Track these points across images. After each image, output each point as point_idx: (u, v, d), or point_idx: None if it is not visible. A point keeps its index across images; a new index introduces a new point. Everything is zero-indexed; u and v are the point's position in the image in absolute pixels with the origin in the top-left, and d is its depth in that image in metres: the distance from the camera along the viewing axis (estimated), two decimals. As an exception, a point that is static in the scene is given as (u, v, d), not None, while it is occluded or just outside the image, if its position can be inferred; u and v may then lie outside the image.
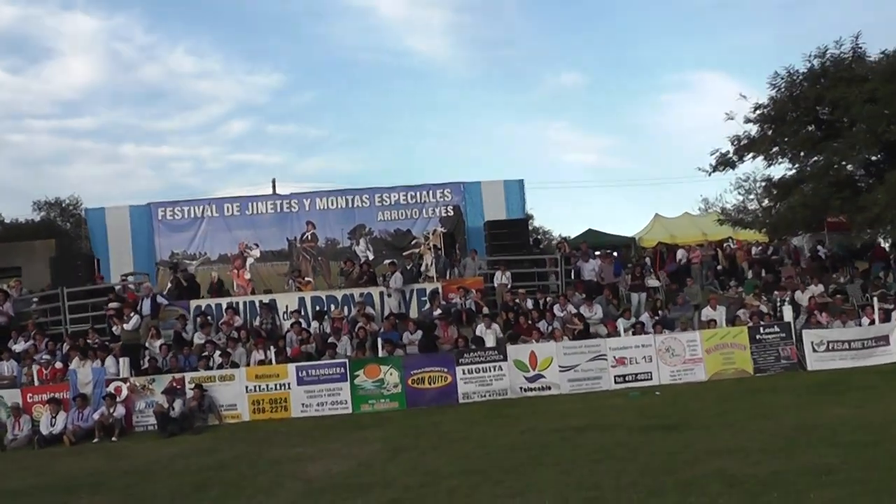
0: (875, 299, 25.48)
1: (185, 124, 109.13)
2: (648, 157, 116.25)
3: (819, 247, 36.37)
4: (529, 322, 24.82)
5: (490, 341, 23.45)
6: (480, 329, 24.11)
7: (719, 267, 36.27)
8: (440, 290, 27.06)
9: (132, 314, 25.07)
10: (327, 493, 12.61)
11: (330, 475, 14.11)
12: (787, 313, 24.48)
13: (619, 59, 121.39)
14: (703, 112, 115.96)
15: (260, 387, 22.38)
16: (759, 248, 37.38)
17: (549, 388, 22.59)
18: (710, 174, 33.36)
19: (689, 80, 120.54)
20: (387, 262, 29.98)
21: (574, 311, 25.47)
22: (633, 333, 24.12)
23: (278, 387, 22.38)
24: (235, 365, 23.24)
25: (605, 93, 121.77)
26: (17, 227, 53.58)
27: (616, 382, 22.91)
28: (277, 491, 13.15)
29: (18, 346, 25.41)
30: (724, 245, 39.87)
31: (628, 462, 13.10)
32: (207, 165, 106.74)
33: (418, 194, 34.47)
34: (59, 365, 23.69)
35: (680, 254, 35.95)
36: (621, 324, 24.54)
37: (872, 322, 24.22)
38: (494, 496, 11.47)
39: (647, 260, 37.20)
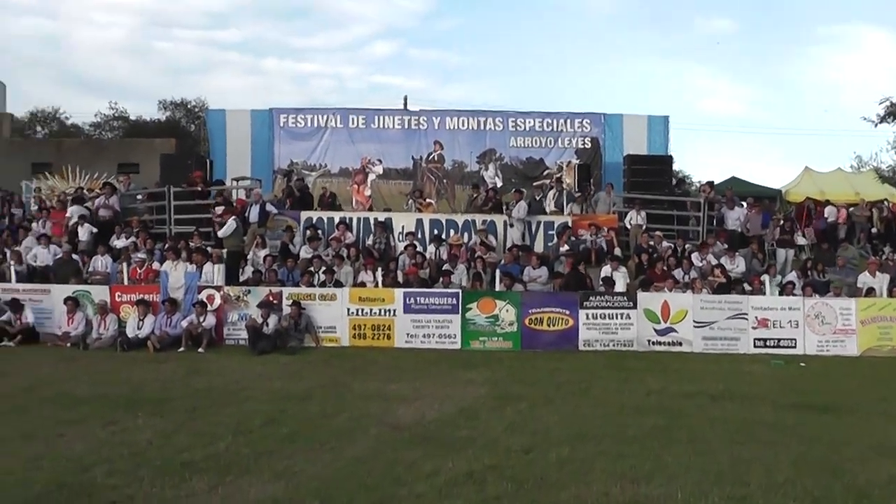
0: None
1: (329, 42, 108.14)
2: (796, 110, 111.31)
3: None
4: (664, 269, 22.47)
5: (620, 285, 21.23)
6: (607, 270, 21.86)
7: (874, 230, 33.15)
8: (570, 225, 24.81)
9: (229, 219, 23.43)
10: (413, 447, 10.55)
11: (422, 423, 12.12)
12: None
13: (772, 7, 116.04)
14: (855, 66, 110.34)
15: (363, 310, 20.59)
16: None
17: (680, 344, 20.39)
18: (876, 125, 30.37)
19: (842, 32, 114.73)
20: (513, 190, 27.75)
21: (714, 261, 23.05)
22: (781, 293, 21.64)
23: (383, 312, 20.55)
24: (340, 284, 21.49)
25: (756, 42, 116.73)
26: (142, 125, 52.86)
27: (755, 346, 20.63)
28: (355, 438, 11.15)
29: (119, 243, 24.13)
30: (881, 206, 36.64)
31: (779, 450, 10.76)
32: (348, 84, 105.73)
33: (555, 122, 32.29)
34: (155, 265, 22.24)
35: (828, 211, 32.87)
36: (767, 281, 22.04)
37: None
38: (613, 476, 9.25)
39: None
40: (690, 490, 8.80)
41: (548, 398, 14.08)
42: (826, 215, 32.10)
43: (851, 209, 32.36)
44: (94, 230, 24.73)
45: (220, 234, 23.39)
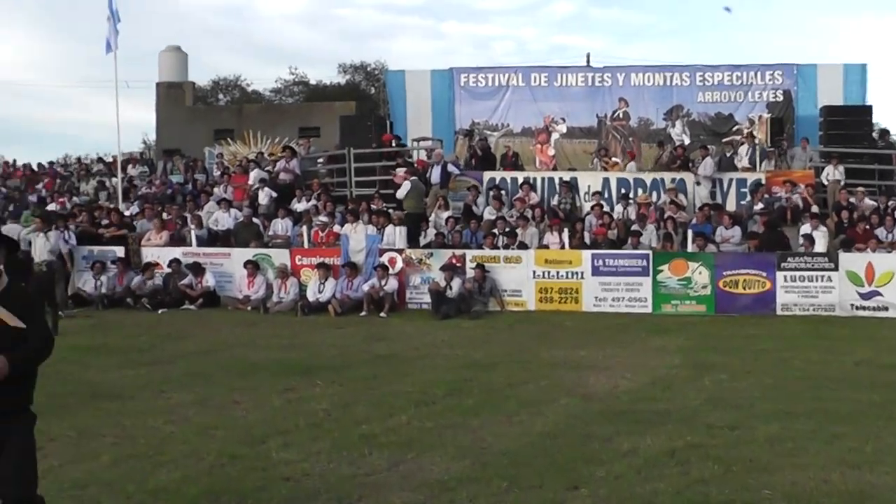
0: None
1: (510, 4, 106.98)
2: None
3: None
4: (867, 227, 21.06)
5: (820, 245, 20.00)
6: (807, 228, 20.60)
7: None
8: (763, 182, 23.58)
9: (405, 180, 23.10)
10: (606, 421, 9.89)
11: (614, 394, 11.48)
12: None
13: None
14: None
15: (549, 273, 20.01)
16: None
17: (886, 309, 19.11)
18: None
19: None
20: (699, 147, 26.57)
21: (922, 218, 21.50)
22: None
23: (570, 275, 19.94)
24: (524, 246, 20.90)
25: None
26: (322, 90, 53.22)
27: (973, 313, 19.02)
28: (545, 408, 10.59)
29: (300, 206, 24.15)
30: None
31: None
32: (528, 46, 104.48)
33: (745, 75, 30.72)
34: (336, 228, 22.12)
35: None
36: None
37: None
38: (831, 459, 8.35)
39: None
40: (919, 480, 7.89)
41: (746, 368, 13.23)
42: None
43: None
44: (274, 194, 24.87)
45: (398, 195, 23.13)
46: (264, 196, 24.84)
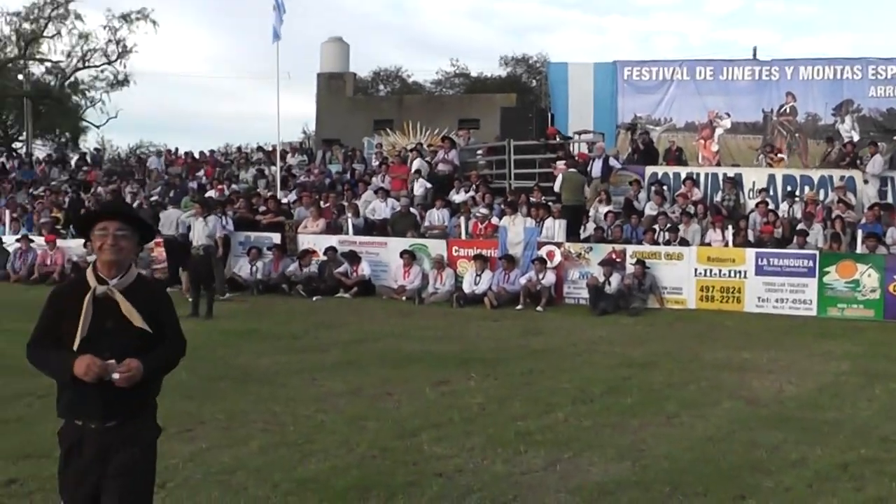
0: None
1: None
2: None
3: None
4: None
5: None
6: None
7: None
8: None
9: (558, 174, 22.91)
10: (772, 427, 9.45)
11: (780, 399, 11.03)
12: None
13: None
14: None
15: (711, 271, 19.56)
16: None
17: None
18: None
19: None
20: (868, 143, 25.55)
21: None
22: None
23: (733, 274, 19.44)
24: (686, 243, 20.46)
25: None
26: (483, 82, 53.24)
27: None
28: (709, 410, 10.24)
29: (458, 197, 24.16)
30: None
31: None
32: (690, 41, 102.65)
33: (920, 69, 29.41)
34: (494, 220, 22.04)
35: None
36: None
37: None
38: None
39: None
40: None
41: (921, 377, 12.60)
42: None
43: None
44: (429, 185, 24.92)
45: (554, 187, 22.93)
46: (418, 187, 24.97)
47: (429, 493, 7.23)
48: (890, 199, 22.57)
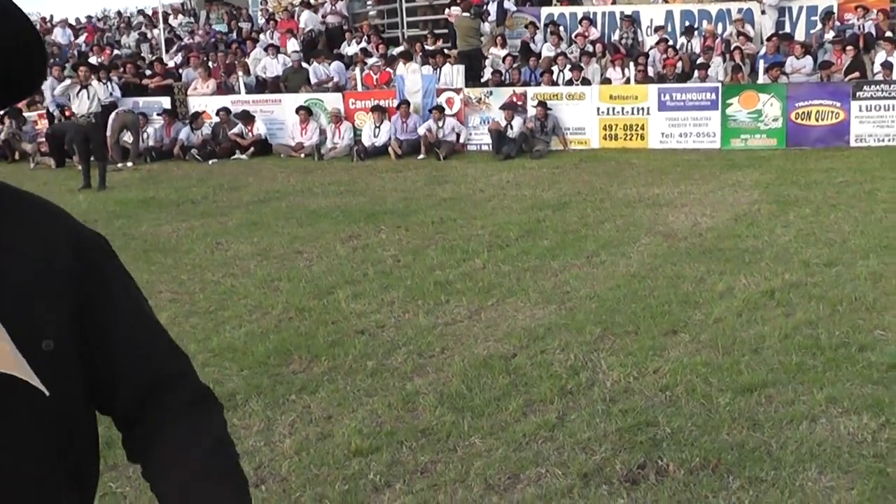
0: None
1: None
2: None
3: None
4: (947, 51, 20.06)
5: (900, 72, 19.09)
6: (882, 56, 19.63)
7: None
8: (835, 10, 22.43)
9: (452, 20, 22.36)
10: (694, 260, 9.34)
11: (697, 231, 10.91)
12: None
13: None
14: None
15: (614, 109, 19.30)
16: None
17: (967, 138, 18.21)
18: None
19: None
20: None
21: None
22: None
23: (636, 111, 19.21)
24: (587, 82, 20.13)
25: None
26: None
27: None
28: (628, 248, 10.06)
29: (350, 49, 23.44)
30: None
31: None
32: None
33: None
34: (389, 70, 21.45)
35: None
36: None
37: None
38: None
39: None
40: None
41: (831, 202, 12.50)
42: None
43: None
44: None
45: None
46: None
47: (352, 352, 6.93)
48: (788, 30, 22.41)
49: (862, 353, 6.46)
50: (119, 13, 40.72)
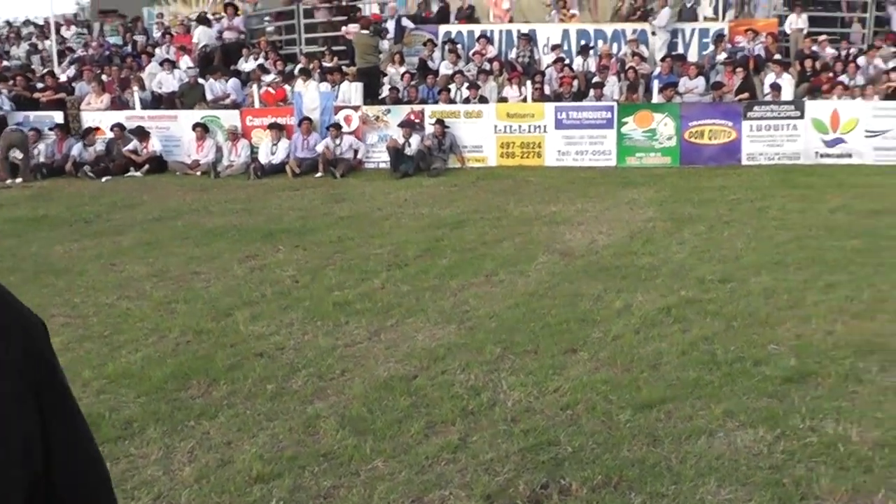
0: None
1: None
2: None
3: None
4: (830, 75, 20.68)
5: (788, 92, 19.61)
6: (771, 77, 20.18)
7: None
8: (726, 32, 22.96)
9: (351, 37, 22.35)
10: (591, 277, 9.48)
11: (594, 249, 11.04)
12: None
13: None
14: None
15: (511, 127, 19.42)
16: None
17: (850, 156, 18.80)
18: None
19: None
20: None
21: (883, 66, 21.12)
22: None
23: (532, 129, 19.35)
24: (485, 100, 20.26)
25: None
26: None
27: (935, 156, 18.85)
28: (526, 266, 10.13)
29: (248, 65, 23.22)
30: None
31: None
32: None
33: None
34: (287, 87, 21.27)
35: None
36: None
37: None
38: (831, 309, 8.06)
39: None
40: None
41: (724, 219, 12.81)
42: None
43: None
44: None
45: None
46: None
47: (252, 375, 6.85)
48: (681, 50, 22.86)
49: (757, 367, 6.62)
50: (8, 22, 39.76)
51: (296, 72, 21.92)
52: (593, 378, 6.49)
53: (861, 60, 21.50)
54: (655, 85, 20.00)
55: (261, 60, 23.21)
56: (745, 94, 19.79)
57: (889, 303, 8.31)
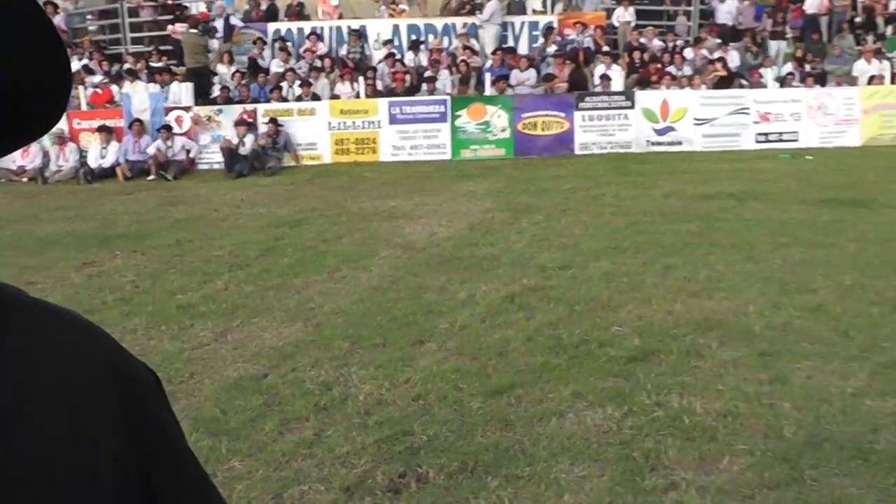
0: None
1: None
2: None
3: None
4: (659, 66, 21.28)
5: (618, 83, 20.09)
6: (602, 69, 20.64)
7: (857, 19, 31.70)
8: (556, 25, 23.36)
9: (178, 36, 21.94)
10: (434, 270, 9.50)
11: (435, 241, 11.06)
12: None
13: None
14: None
15: (345, 124, 19.34)
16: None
17: (680, 143, 19.50)
18: None
19: None
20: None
21: (709, 56, 21.86)
22: (782, 86, 20.64)
23: (367, 125, 19.30)
24: (317, 97, 20.12)
25: None
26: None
27: (757, 142, 19.68)
28: (369, 261, 10.08)
29: (72, 66, 22.43)
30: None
31: (831, 250, 9.86)
32: None
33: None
34: (114, 88, 20.68)
35: (809, 3, 31.28)
36: (768, 74, 21.00)
37: None
38: (669, 290, 8.28)
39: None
40: (759, 301, 7.86)
41: (561, 208, 13.05)
42: (804, 8, 30.65)
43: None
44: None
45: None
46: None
47: (98, 384, 6.57)
48: (512, 43, 23.14)
49: (602, 348, 6.74)
50: None
51: (123, 72, 21.33)
52: (443, 368, 6.49)
53: (688, 52, 22.24)
54: (487, 78, 20.22)
55: (85, 61, 22.50)
56: (574, 86, 20.16)
57: (724, 281, 8.59)
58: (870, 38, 25.18)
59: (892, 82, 21.18)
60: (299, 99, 20.08)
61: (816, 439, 5.23)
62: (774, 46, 24.23)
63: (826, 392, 5.89)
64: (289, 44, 22.96)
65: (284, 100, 20.13)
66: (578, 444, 5.19)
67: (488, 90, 19.94)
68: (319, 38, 23.27)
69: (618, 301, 7.96)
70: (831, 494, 4.65)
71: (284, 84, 20.68)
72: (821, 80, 21.40)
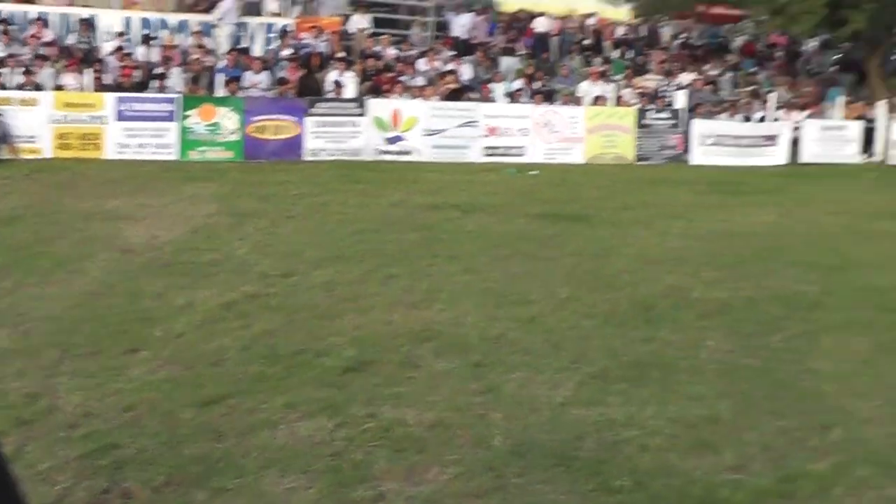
0: (771, 95, 23.59)
1: None
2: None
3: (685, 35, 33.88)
4: (392, 75, 21.61)
5: (350, 90, 20.26)
6: (335, 74, 20.77)
7: (587, 41, 33.32)
8: (292, 28, 23.29)
9: None
10: (153, 275, 9.21)
11: (156, 245, 10.76)
12: (681, 99, 22.12)
13: None
14: None
15: (69, 117, 18.54)
16: (626, 28, 34.63)
17: (410, 153, 19.87)
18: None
19: None
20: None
21: (442, 68, 22.40)
22: (511, 101, 21.39)
23: (92, 120, 18.60)
24: (40, 88, 19.24)
25: None
26: None
27: (485, 155, 20.30)
28: (85, 264, 9.65)
29: None
30: (588, 20, 36.91)
31: (549, 264, 10.28)
32: None
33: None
34: None
35: (539, 23, 32.63)
36: (499, 89, 21.71)
37: (762, 119, 22.52)
38: (390, 300, 8.41)
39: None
40: (477, 313, 8.09)
41: (287, 214, 13.02)
42: (535, 27, 31.91)
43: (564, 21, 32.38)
44: None
45: None
46: None
47: None
48: (246, 44, 22.90)
49: (318, 358, 6.75)
50: None
51: None
52: (155, 377, 6.33)
53: (421, 62, 22.66)
54: (220, 78, 19.92)
55: None
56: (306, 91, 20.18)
57: (443, 292, 8.77)
58: (598, 60, 26.51)
59: (617, 104, 22.36)
60: (20, 88, 19.12)
61: (523, 448, 5.41)
62: (505, 62, 25.08)
63: (536, 402, 6.12)
64: (12, 27, 21.83)
65: (4, 87, 19.11)
66: (289, 456, 5.18)
67: (220, 91, 19.64)
68: (46, 24, 22.23)
69: (337, 310, 8.01)
70: (534, 501, 4.85)
71: (5, 70, 19.66)
72: (548, 97, 22.32)
